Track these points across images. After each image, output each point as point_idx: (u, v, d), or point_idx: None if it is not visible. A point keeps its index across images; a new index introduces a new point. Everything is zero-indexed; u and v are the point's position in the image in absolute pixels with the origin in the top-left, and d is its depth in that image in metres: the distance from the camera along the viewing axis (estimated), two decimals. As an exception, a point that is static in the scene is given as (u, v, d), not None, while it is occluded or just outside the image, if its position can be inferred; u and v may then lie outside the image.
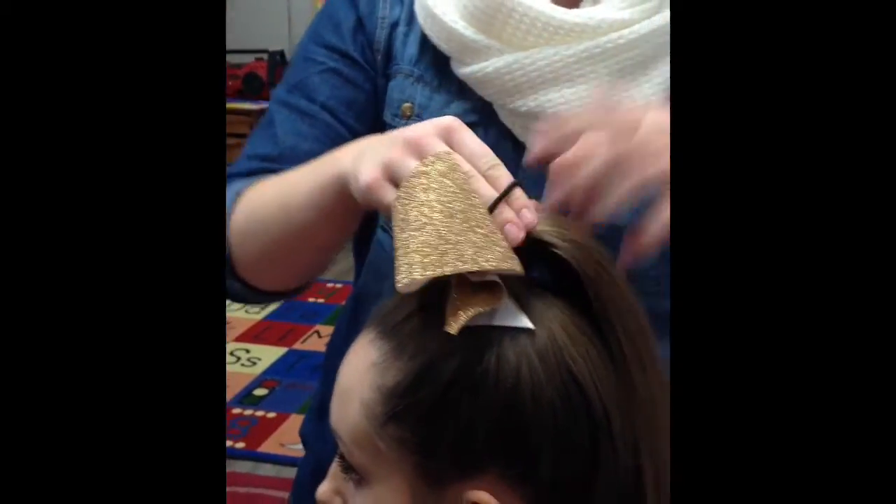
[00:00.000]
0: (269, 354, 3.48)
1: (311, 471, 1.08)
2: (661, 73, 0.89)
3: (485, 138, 0.91)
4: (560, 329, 0.63)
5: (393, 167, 0.67)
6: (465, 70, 0.90)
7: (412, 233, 0.61)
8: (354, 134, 0.94)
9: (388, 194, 0.67)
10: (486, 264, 0.60)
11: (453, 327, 0.60)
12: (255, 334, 3.66)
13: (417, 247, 0.61)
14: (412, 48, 0.94)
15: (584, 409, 0.62)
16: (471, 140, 0.68)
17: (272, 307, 3.93)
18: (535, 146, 0.69)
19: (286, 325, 3.75)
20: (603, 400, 0.62)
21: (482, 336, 0.61)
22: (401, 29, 0.95)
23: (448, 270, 0.60)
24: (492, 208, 0.64)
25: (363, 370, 0.65)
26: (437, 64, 0.93)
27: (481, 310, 0.61)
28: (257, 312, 3.82)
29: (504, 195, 0.65)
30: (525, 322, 0.63)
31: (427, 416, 0.62)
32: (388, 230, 0.94)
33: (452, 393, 0.61)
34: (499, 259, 0.61)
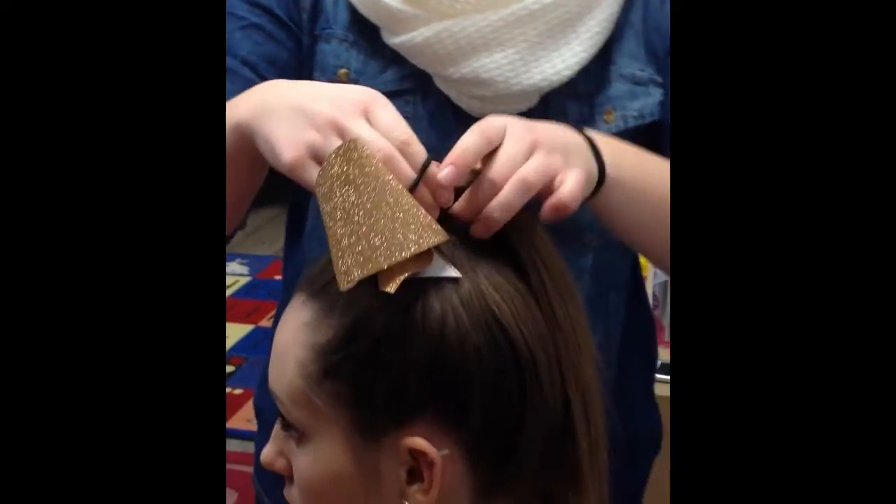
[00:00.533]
0: (235, 332, 3.49)
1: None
2: (588, 30, 0.90)
3: (423, 105, 0.91)
4: (483, 277, 0.66)
5: (317, 149, 0.67)
6: (395, 40, 0.90)
7: (340, 230, 0.64)
8: None
9: (313, 173, 0.67)
10: (414, 247, 0.62)
11: (392, 287, 0.62)
12: (221, 312, 3.66)
13: (349, 245, 0.63)
14: (344, 13, 0.93)
15: (510, 353, 0.64)
16: (386, 115, 0.69)
17: (238, 285, 3.94)
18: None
19: (252, 302, 3.76)
20: (528, 342, 0.65)
21: (408, 289, 0.63)
22: None
23: (385, 265, 0.62)
24: (411, 189, 0.66)
25: (296, 330, 0.67)
26: (370, 30, 0.92)
27: (414, 271, 0.63)
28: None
29: (421, 176, 0.66)
30: (452, 272, 0.65)
31: (360, 370, 0.64)
32: None
33: (383, 346, 0.63)
34: (427, 236, 0.63)
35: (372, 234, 0.63)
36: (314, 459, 0.67)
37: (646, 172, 0.82)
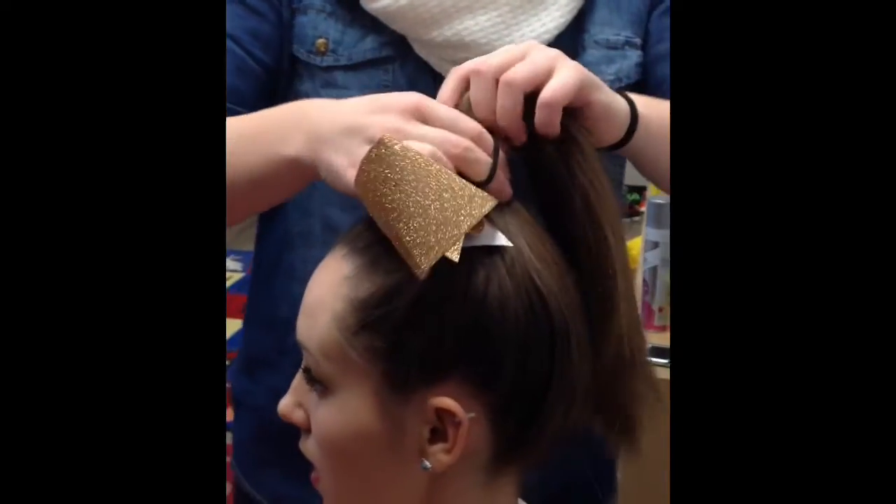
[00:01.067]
0: (229, 326, 3.47)
1: (255, 427, 1.08)
2: None
3: (402, 72, 0.92)
4: (525, 242, 0.67)
5: None
6: (376, 5, 0.90)
7: (399, 227, 0.64)
8: (261, 65, 0.94)
9: None
10: (468, 220, 0.63)
11: (455, 255, 0.63)
12: (215, 308, 3.65)
13: (411, 239, 0.63)
14: None
15: (547, 321, 0.66)
16: (443, 110, 0.69)
17: (232, 281, 3.94)
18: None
19: (246, 297, 3.76)
20: (564, 312, 0.66)
21: None
22: None
23: (449, 247, 0.63)
24: (492, 173, 0.67)
25: (336, 284, 0.67)
26: None
27: (468, 239, 0.64)
28: (216, 286, 3.82)
29: (496, 159, 0.68)
30: (502, 240, 0.66)
31: (398, 326, 0.65)
32: None
33: (424, 305, 0.64)
34: (477, 205, 0.64)
35: (428, 221, 0.63)
36: (339, 412, 0.67)
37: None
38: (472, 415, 0.65)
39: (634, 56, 0.97)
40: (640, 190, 2.71)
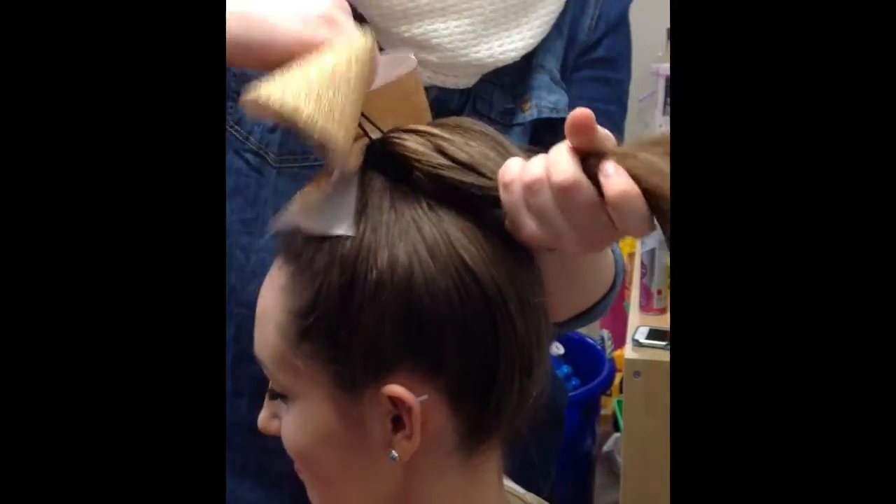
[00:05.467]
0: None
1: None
2: (539, 17, 0.92)
3: None
4: (449, 221, 0.66)
5: None
6: None
7: (292, 70, 0.65)
8: None
9: None
10: (322, 123, 0.63)
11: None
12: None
13: (282, 77, 0.65)
14: None
15: (480, 295, 0.65)
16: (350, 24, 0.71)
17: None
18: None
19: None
20: (497, 281, 0.66)
21: (370, 244, 0.65)
22: None
23: (283, 103, 0.63)
24: None
25: (276, 295, 0.69)
26: None
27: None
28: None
29: None
30: (348, 230, 0.66)
31: (333, 330, 0.66)
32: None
33: (351, 303, 0.65)
34: (330, 123, 0.64)
35: (303, 89, 0.64)
36: (301, 419, 0.69)
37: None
38: (425, 397, 0.65)
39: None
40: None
